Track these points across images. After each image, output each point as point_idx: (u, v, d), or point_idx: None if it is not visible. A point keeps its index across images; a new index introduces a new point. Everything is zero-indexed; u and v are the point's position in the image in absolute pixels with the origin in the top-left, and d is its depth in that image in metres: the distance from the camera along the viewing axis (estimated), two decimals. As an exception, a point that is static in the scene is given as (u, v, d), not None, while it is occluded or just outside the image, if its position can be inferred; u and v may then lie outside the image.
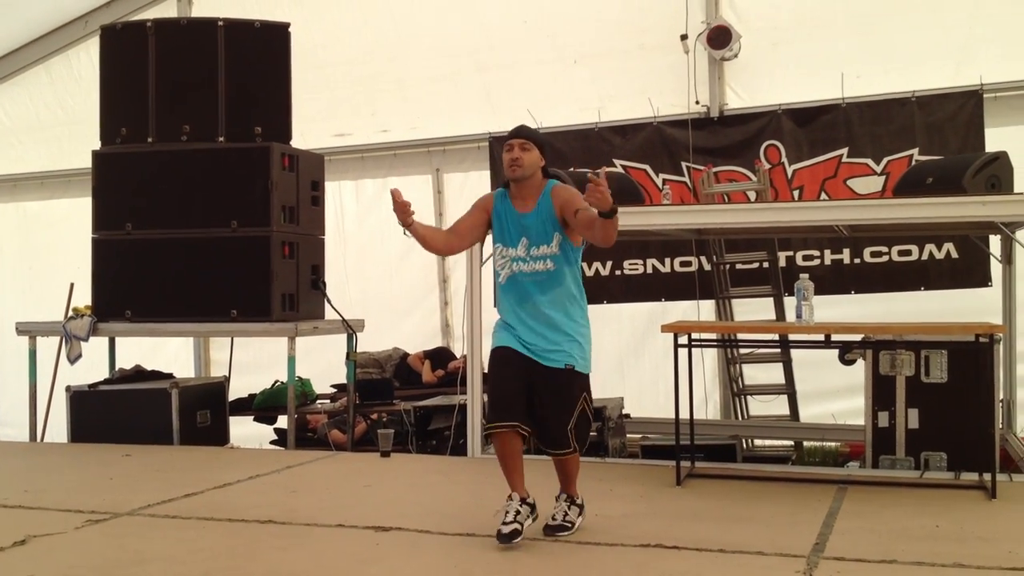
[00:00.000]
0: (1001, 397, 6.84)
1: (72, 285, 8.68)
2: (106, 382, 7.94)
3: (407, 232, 4.60)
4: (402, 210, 4.52)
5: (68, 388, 7.73)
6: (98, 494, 5.56)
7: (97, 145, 7.97)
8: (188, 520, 4.98)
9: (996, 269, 7.70)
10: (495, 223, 4.72)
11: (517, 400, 4.50)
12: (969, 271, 8.23)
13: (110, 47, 8.02)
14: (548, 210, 4.60)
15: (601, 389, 8.18)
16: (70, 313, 8.09)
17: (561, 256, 4.62)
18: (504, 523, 4.38)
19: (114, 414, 7.57)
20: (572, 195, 4.59)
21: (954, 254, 8.33)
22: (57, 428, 8.04)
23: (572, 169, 7.79)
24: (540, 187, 4.65)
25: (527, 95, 9.31)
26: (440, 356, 9.26)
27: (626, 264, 9.23)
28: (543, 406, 4.53)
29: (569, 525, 4.60)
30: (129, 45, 7.86)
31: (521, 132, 4.68)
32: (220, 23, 7.67)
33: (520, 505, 4.48)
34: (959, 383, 6.01)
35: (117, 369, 8.28)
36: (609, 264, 9.30)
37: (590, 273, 9.27)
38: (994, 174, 6.13)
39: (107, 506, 5.22)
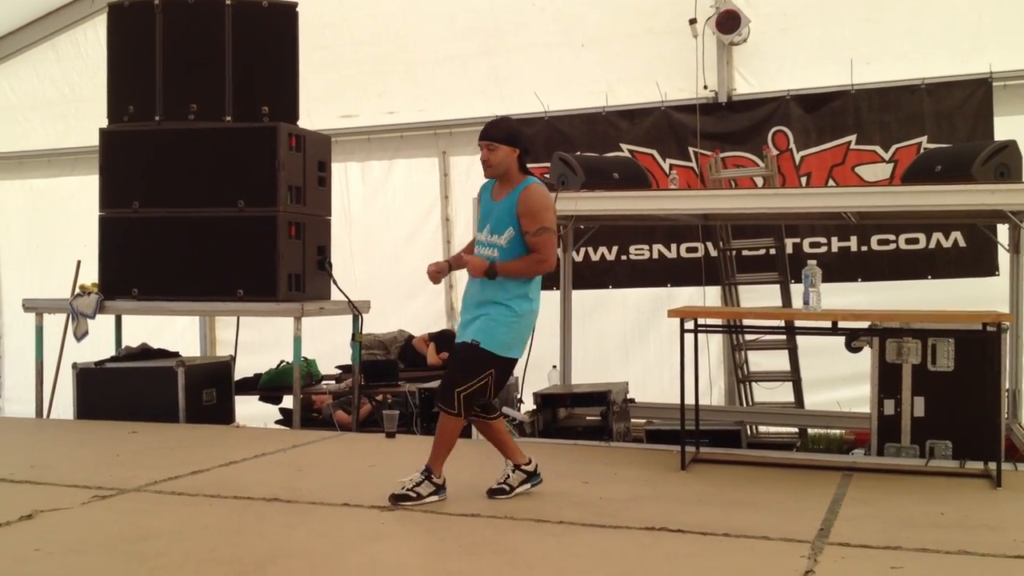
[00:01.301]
0: (1007, 386, 6.83)
1: (79, 263, 8.66)
2: (112, 360, 7.94)
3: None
4: (437, 273, 4.94)
5: (74, 365, 7.74)
6: (104, 470, 5.58)
7: (104, 123, 7.95)
8: (194, 497, 5.00)
9: (1004, 258, 7.68)
10: (480, 211, 5.02)
11: None
12: (977, 260, 8.22)
13: (117, 25, 8.00)
14: (512, 207, 4.79)
15: (606, 374, 8.26)
16: (77, 291, 8.10)
17: (507, 250, 4.79)
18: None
19: (120, 392, 7.58)
20: (530, 211, 4.75)
21: (962, 243, 8.32)
22: (63, 405, 8.05)
23: (579, 153, 7.78)
24: (516, 180, 4.84)
25: (534, 78, 9.30)
26: (445, 338, 9.24)
27: (632, 249, 9.22)
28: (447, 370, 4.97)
29: (411, 495, 4.77)
30: (136, 23, 7.83)
31: (484, 134, 4.87)
32: (228, 2, 7.64)
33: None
34: (965, 372, 6.01)
35: (123, 347, 8.28)
36: (615, 249, 9.28)
37: (595, 258, 9.27)
38: (1003, 162, 6.11)
39: (114, 482, 5.24)
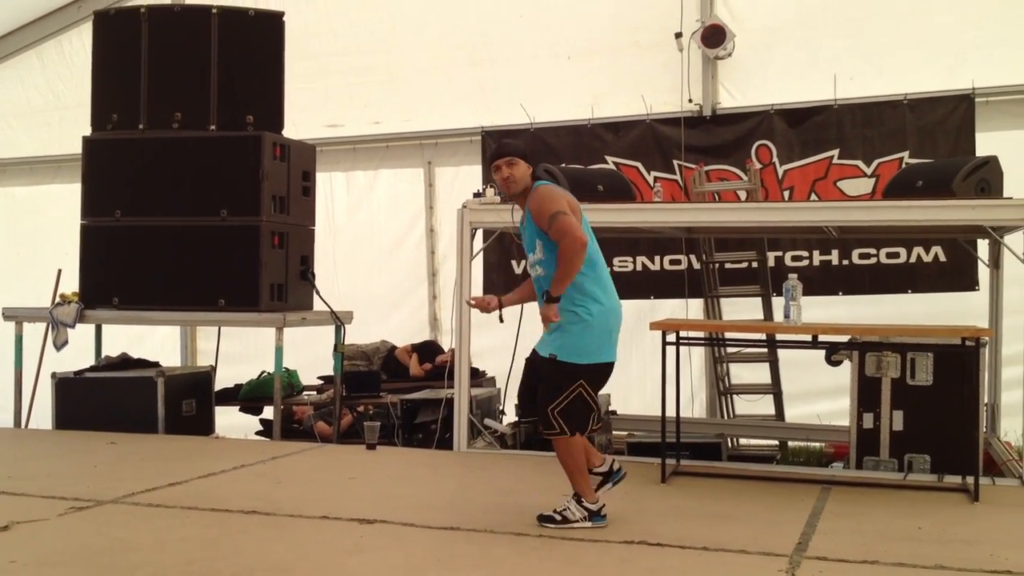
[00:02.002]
0: (986, 401, 6.87)
1: (60, 271, 8.64)
2: (92, 369, 7.91)
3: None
4: (484, 307, 4.90)
5: (54, 375, 7.69)
6: (82, 481, 5.54)
7: (88, 131, 7.93)
8: (172, 509, 4.97)
9: (984, 273, 7.73)
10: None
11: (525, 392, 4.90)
12: (957, 274, 8.26)
13: (103, 32, 7.98)
14: (529, 218, 4.71)
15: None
16: (57, 299, 8.06)
17: (547, 261, 4.69)
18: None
19: (99, 402, 7.54)
20: (536, 210, 4.64)
21: (942, 257, 8.36)
22: (42, 415, 8.00)
23: (564, 165, 7.79)
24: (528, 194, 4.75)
25: (520, 90, 9.32)
26: (428, 350, 9.25)
27: (616, 261, 9.22)
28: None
29: (556, 517, 4.62)
30: (122, 31, 7.82)
31: (503, 151, 4.77)
32: (214, 10, 7.64)
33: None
34: (944, 386, 6.03)
35: (103, 356, 8.25)
36: (599, 261, 9.28)
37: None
38: (984, 178, 6.14)
39: (91, 493, 5.20)
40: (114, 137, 7.81)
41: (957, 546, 4.42)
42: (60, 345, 7.94)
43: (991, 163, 6.25)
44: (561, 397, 4.59)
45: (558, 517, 4.62)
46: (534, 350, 4.83)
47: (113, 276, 7.74)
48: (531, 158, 4.82)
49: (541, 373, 4.71)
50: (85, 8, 10.40)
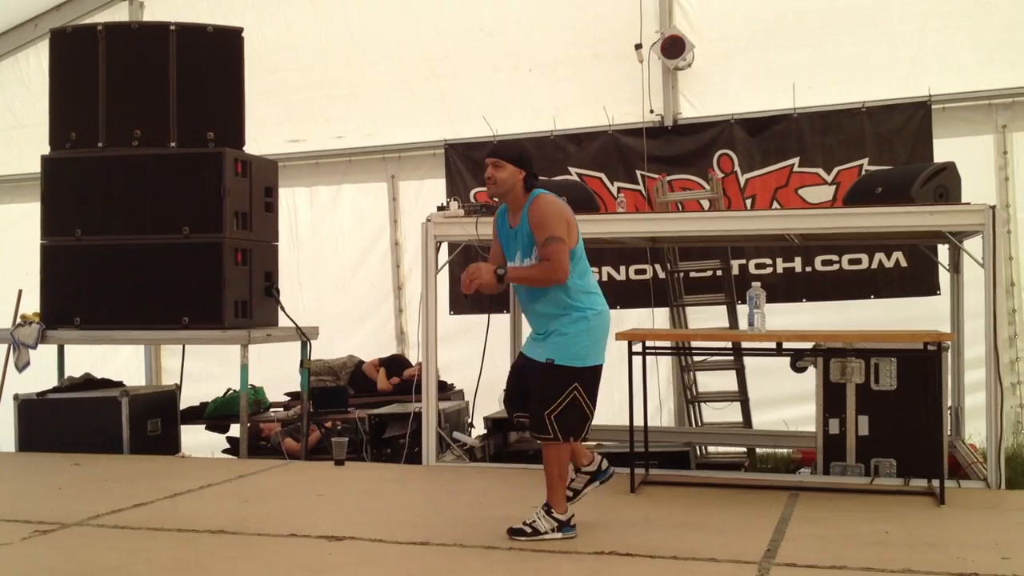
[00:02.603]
0: (950, 404, 6.95)
1: (20, 292, 8.52)
2: (55, 390, 7.81)
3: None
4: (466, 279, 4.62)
5: (16, 396, 7.59)
6: (46, 504, 5.47)
7: (46, 150, 7.84)
8: (138, 531, 4.91)
9: (944, 278, 7.83)
10: (500, 239, 4.90)
11: (514, 392, 4.89)
12: (918, 279, 8.36)
13: (60, 51, 7.91)
14: (528, 223, 4.70)
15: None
16: (18, 320, 7.95)
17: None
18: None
19: (63, 423, 7.44)
20: (536, 221, 4.65)
21: (903, 263, 8.45)
22: (4, 437, 7.87)
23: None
24: (523, 200, 4.75)
25: (483, 103, 9.32)
26: (396, 364, 9.21)
27: (581, 272, 9.24)
28: (531, 397, 4.71)
29: (527, 530, 4.61)
30: (79, 49, 7.74)
31: (491, 151, 4.81)
32: (172, 27, 7.58)
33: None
34: (908, 390, 6.09)
35: (66, 377, 8.14)
36: (564, 272, 9.30)
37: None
38: (942, 184, 6.22)
39: (55, 516, 5.13)
40: (73, 155, 7.72)
41: (924, 549, 4.46)
42: (22, 367, 7.83)
43: (949, 169, 6.33)
44: (557, 402, 4.59)
45: (528, 529, 4.62)
46: (522, 355, 4.87)
47: (75, 296, 7.65)
48: (530, 165, 4.77)
49: (533, 377, 4.71)
50: (42, 27, 10.32)
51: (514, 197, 4.76)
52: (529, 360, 4.77)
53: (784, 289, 8.57)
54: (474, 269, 4.58)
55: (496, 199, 4.92)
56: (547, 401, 4.60)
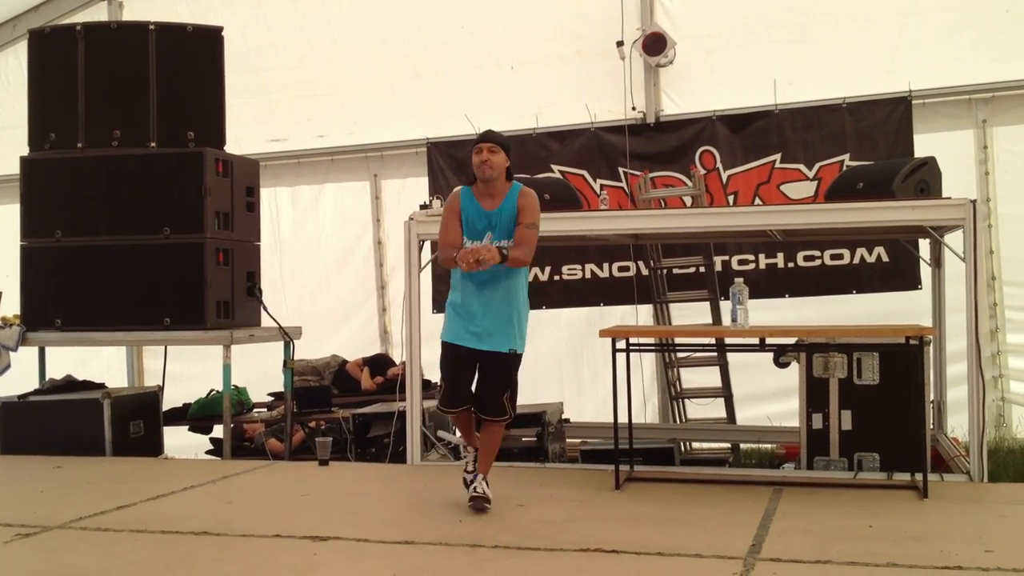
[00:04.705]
0: (932, 398, 6.98)
1: (0, 294, 8.47)
2: (36, 393, 7.76)
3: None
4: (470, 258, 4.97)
5: (-4, 399, 7.55)
6: (28, 507, 5.43)
7: (25, 151, 7.79)
8: (121, 533, 4.88)
9: (926, 272, 7.86)
10: (463, 219, 5.22)
11: (465, 387, 5.23)
12: (900, 274, 8.39)
13: (39, 51, 7.85)
14: (512, 209, 5.14)
15: (540, 394, 8.26)
16: (-2, 323, 7.91)
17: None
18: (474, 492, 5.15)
19: (44, 425, 7.40)
20: (528, 205, 5.15)
21: (885, 257, 8.49)
22: (-15, 440, 7.83)
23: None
24: (505, 187, 5.20)
25: (465, 101, 9.31)
26: (379, 363, 9.20)
27: (564, 269, 9.26)
28: (485, 381, 5.20)
29: (489, 497, 5.09)
30: (58, 49, 7.69)
31: (489, 137, 5.22)
32: (151, 27, 7.55)
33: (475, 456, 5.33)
34: (891, 385, 6.12)
35: (47, 379, 8.09)
36: (548, 269, 9.32)
37: (528, 279, 9.27)
38: (923, 179, 6.25)
39: (37, 519, 5.10)
40: (53, 156, 7.68)
41: (908, 543, 4.47)
42: (2, 369, 7.77)
43: (929, 164, 6.36)
44: (513, 384, 5.19)
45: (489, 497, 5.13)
46: (467, 349, 5.16)
47: (55, 297, 7.60)
48: (512, 155, 5.22)
49: (492, 367, 5.15)
50: (20, 27, 10.24)
51: (498, 185, 5.17)
52: (483, 353, 5.14)
53: (767, 285, 8.59)
54: (484, 249, 4.96)
55: (485, 182, 5.17)
56: (507, 385, 5.17)
